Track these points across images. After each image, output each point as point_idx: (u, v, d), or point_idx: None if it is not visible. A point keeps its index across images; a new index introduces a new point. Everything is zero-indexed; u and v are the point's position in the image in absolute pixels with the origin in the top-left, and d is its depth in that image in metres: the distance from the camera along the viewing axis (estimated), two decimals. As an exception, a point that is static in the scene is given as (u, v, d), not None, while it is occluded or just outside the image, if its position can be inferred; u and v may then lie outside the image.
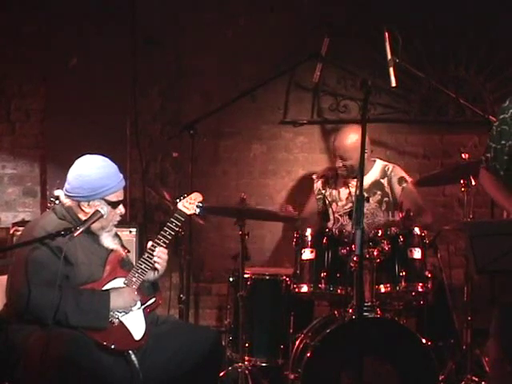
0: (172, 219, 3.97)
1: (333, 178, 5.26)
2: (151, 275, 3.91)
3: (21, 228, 5.29)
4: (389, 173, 5.18)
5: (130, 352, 3.69)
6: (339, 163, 5.09)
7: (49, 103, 5.94)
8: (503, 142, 3.95)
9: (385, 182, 5.18)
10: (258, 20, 5.92)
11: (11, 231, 5.40)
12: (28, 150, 6.00)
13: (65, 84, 5.86)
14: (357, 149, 4.85)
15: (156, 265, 3.87)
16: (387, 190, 5.17)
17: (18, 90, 5.97)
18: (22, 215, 5.97)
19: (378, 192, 5.16)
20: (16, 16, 5.88)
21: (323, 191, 5.27)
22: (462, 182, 4.81)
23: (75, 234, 3.55)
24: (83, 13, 5.83)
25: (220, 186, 5.97)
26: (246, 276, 4.86)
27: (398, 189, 5.16)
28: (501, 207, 4.00)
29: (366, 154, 4.97)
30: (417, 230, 4.61)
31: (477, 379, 4.65)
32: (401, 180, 5.17)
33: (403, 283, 4.50)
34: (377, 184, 5.17)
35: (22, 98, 5.98)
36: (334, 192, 5.23)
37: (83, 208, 3.78)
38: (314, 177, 5.36)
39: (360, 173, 3.57)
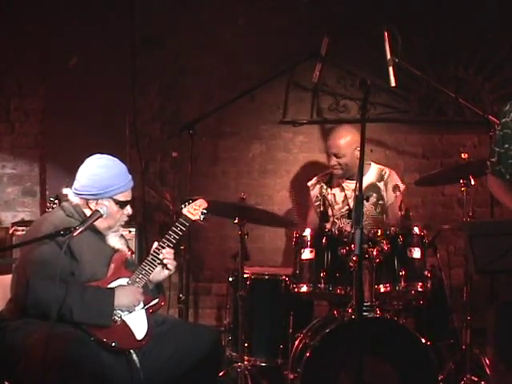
0: (177, 224, 3.99)
1: (327, 182, 5.25)
2: (162, 274, 3.93)
3: (20, 228, 5.31)
4: (386, 177, 5.19)
5: (132, 351, 3.69)
6: (334, 161, 5.10)
7: (48, 103, 5.94)
8: (506, 145, 3.96)
9: (381, 185, 5.19)
10: (258, 20, 5.92)
11: (10, 231, 5.41)
12: (27, 149, 6.01)
13: (64, 84, 5.86)
14: (350, 146, 5.00)
15: (168, 265, 3.90)
16: (383, 193, 5.18)
17: (17, 89, 5.98)
18: (21, 215, 5.97)
19: (374, 194, 5.16)
20: (16, 16, 5.88)
21: (320, 196, 5.24)
22: (461, 181, 4.81)
23: (74, 234, 3.56)
24: (83, 13, 5.84)
25: (219, 185, 5.97)
26: (245, 276, 4.86)
27: (391, 195, 5.18)
28: (509, 211, 3.99)
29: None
30: (416, 230, 4.61)
31: (476, 379, 4.65)
32: (395, 188, 5.19)
33: (403, 283, 4.49)
34: (373, 187, 5.17)
35: (22, 98, 5.99)
36: (330, 196, 5.22)
37: (91, 206, 3.80)
38: (310, 184, 5.33)
39: (359, 172, 3.56)
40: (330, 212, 5.20)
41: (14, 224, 5.53)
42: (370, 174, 5.19)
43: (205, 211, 4.10)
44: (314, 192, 5.29)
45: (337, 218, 5.16)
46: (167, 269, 3.92)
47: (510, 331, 3.69)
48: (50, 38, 5.84)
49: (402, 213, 5.16)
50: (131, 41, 5.83)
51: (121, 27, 5.82)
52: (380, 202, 5.16)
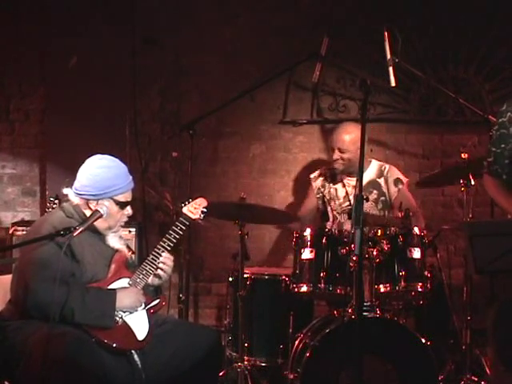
0: (177, 223, 3.99)
1: (330, 177, 5.29)
2: (155, 281, 3.93)
3: (20, 228, 5.31)
4: (385, 173, 5.22)
5: (133, 352, 3.69)
6: (337, 155, 5.13)
7: (48, 103, 5.94)
8: (503, 145, 3.98)
9: (382, 181, 5.21)
10: (258, 20, 5.92)
11: (10, 231, 5.40)
12: (27, 149, 6.01)
13: (64, 84, 5.86)
14: (355, 143, 5.02)
15: (159, 271, 3.90)
16: (384, 189, 5.20)
17: (17, 89, 5.98)
18: (21, 215, 5.97)
19: (375, 191, 5.19)
20: (16, 16, 5.88)
21: (322, 189, 5.29)
22: (461, 181, 4.82)
23: (74, 234, 3.55)
24: (83, 13, 5.84)
25: (219, 185, 5.97)
26: (245, 276, 4.87)
27: (393, 190, 5.20)
28: (505, 211, 4.01)
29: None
30: (416, 230, 4.61)
31: (476, 379, 4.66)
32: (397, 181, 5.21)
33: (403, 283, 4.50)
34: (373, 183, 5.20)
35: (22, 98, 5.98)
36: (332, 190, 5.26)
37: (91, 206, 3.80)
38: (312, 176, 5.38)
39: (359, 172, 3.57)
40: (332, 206, 5.22)
41: (14, 224, 5.53)
42: (371, 171, 5.22)
43: (205, 210, 4.10)
44: (316, 184, 5.33)
45: (338, 213, 5.21)
46: (164, 273, 3.92)
47: (509, 331, 3.69)
48: (50, 38, 5.84)
49: (403, 213, 5.17)
50: (131, 41, 5.83)
51: (121, 27, 5.82)
52: (382, 198, 5.19)
